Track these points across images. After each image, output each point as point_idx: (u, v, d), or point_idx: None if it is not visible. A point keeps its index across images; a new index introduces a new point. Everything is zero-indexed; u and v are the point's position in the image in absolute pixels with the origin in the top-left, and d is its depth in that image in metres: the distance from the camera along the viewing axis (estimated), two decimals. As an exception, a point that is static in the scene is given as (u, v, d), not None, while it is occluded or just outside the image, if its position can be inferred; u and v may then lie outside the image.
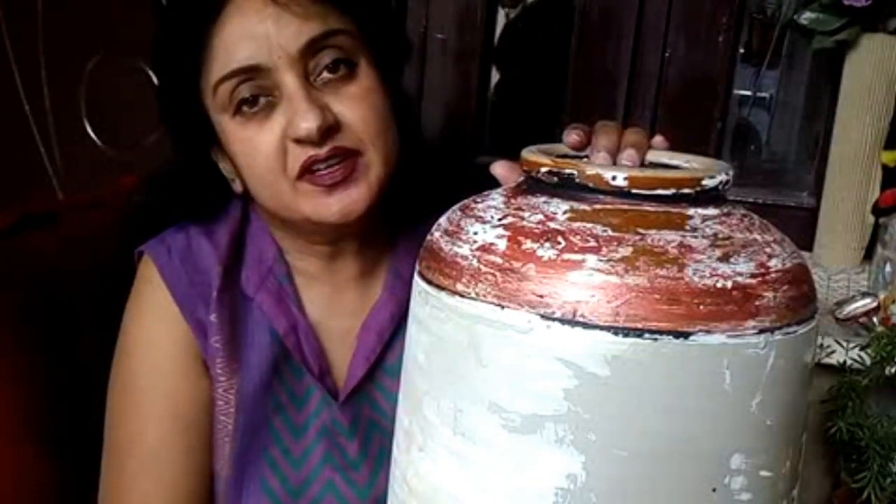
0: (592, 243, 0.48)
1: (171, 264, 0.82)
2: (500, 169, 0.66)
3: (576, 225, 0.49)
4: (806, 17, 1.33)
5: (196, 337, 0.81)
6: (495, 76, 2.00)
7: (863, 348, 1.10)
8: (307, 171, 0.75)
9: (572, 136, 0.60)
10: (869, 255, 1.35)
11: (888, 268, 1.25)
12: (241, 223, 0.85)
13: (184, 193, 0.85)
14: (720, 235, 0.50)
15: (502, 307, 0.48)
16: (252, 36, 0.73)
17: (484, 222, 0.52)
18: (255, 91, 0.74)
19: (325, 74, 0.75)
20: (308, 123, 0.72)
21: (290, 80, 0.74)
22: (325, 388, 0.83)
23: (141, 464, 0.80)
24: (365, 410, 0.84)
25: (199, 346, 0.81)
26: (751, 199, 1.45)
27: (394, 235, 0.87)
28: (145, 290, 0.83)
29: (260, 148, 0.75)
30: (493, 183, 0.65)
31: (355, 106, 0.76)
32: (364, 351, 0.84)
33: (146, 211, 0.87)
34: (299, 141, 0.74)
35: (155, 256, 0.82)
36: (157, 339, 0.81)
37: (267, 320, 0.82)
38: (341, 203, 0.75)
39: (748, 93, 1.97)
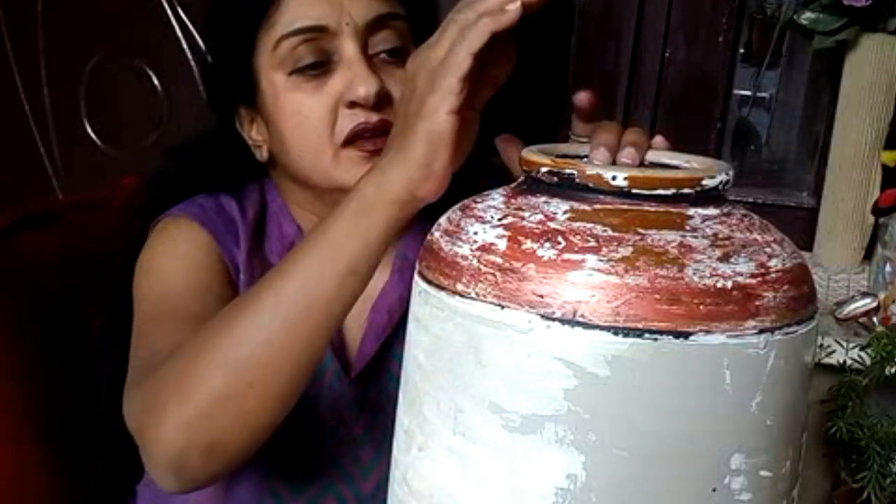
0: (592, 243, 0.48)
1: (206, 215, 0.82)
2: (502, 141, 0.68)
3: (576, 225, 0.49)
4: (806, 17, 1.33)
5: (233, 275, 0.81)
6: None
7: (863, 348, 1.11)
8: (354, 138, 0.77)
9: (582, 94, 0.62)
10: (869, 255, 1.35)
11: (888, 268, 1.25)
12: (262, 203, 0.87)
13: (205, 166, 0.86)
14: (720, 235, 0.50)
15: (502, 307, 0.48)
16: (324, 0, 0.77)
17: (484, 222, 0.52)
18: (315, 52, 0.77)
19: (382, 54, 0.79)
20: (368, 87, 0.76)
21: (351, 48, 0.77)
22: (340, 364, 0.83)
23: (168, 333, 0.74)
24: (372, 392, 0.84)
25: (235, 281, 0.81)
26: (751, 199, 1.45)
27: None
28: (171, 232, 0.81)
29: (313, 110, 0.77)
30: (492, 181, 0.65)
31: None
32: (375, 330, 0.84)
33: (166, 185, 0.87)
34: (353, 105, 0.76)
35: (188, 213, 0.82)
36: (187, 254, 0.80)
37: None
38: None
39: (748, 93, 1.96)
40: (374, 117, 0.77)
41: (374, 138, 0.77)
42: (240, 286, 0.81)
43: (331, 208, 0.83)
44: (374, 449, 0.83)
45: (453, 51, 0.55)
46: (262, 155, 0.84)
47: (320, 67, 0.77)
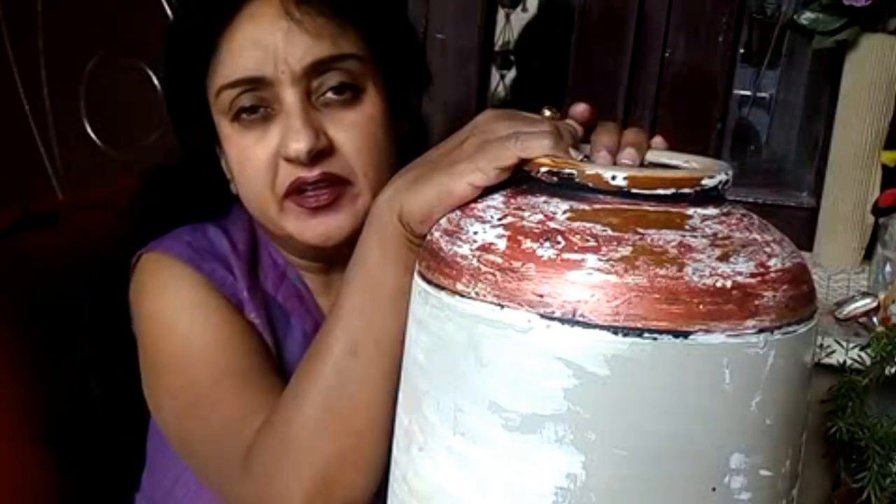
0: (592, 243, 0.48)
1: (199, 255, 0.79)
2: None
3: (575, 224, 0.49)
4: (806, 17, 1.33)
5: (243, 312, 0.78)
6: (509, 74, 2.01)
7: (863, 348, 1.11)
8: (294, 191, 0.74)
9: (580, 106, 0.61)
10: (869, 255, 1.35)
11: (888, 268, 1.25)
12: (250, 230, 0.84)
13: (188, 189, 0.84)
14: (720, 235, 0.50)
15: (502, 307, 0.48)
16: (260, 46, 0.73)
17: (484, 222, 0.52)
18: (256, 101, 0.74)
19: (329, 95, 0.74)
20: (298, 144, 0.72)
21: (290, 97, 0.73)
22: None
23: (232, 395, 0.72)
24: None
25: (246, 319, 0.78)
26: (751, 199, 1.45)
27: None
28: (167, 274, 0.78)
29: (252, 160, 0.75)
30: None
31: (352, 133, 0.75)
32: None
33: (150, 207, 0.85)
34: (289, 160, 0.73)
35: (177, 253, 0.79)
36: (196, 303, 0.77)
37: (293, 318, 0.82)
38: (324, 226, 0.75)
39: (748, 93, 1.97)
40: (313, 171, 0.73)
41: (315, 193, 0.74)
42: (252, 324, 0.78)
43: (291, 249, 0.81)
44: None
45: (508, 143, 0.54)
46: (234, 189, 0.81)
47: (262, 116, 0.74)
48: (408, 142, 0.82)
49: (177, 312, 0.77)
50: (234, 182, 0.79)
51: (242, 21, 0.73)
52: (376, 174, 0.75)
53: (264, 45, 0.72)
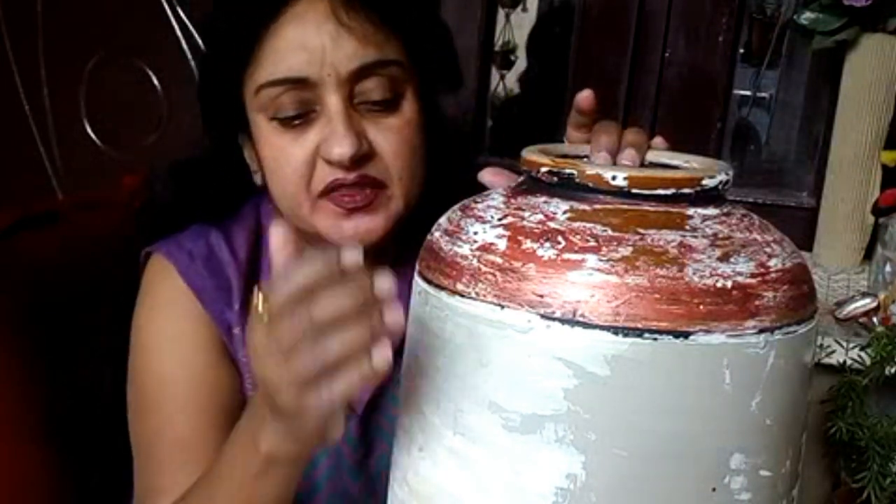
0: (592, 243, 0.48)
1: (194, 268, 0.80)
2: (489, 176, 0.66)
3: (576, 225, 0.49)
4: (806, 17, 1.33)
5: (227, 340, 0.80)
6: (516, 70, 2.01)
7: (863, 348, 1.11)
8: (330, 191, 0.75)
9: (584, 93, 0.62)
10: (869, 255, 1.35)
11: (888, 268, 1.25)
12: (257, 230, 0.85)
13: (208, 180, 0.84)
14: (720, 235, 0.50)
15: (502, 307, 0.49)
16: (306, 47, 0.73)
17: (484, 222, 0.52)
18: (297, 102, 0.74)
19: (371, 99, 0.75)
20: (342, 149, 0.72)
21: (333, 100, 0.73)
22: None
23: (170, 453, 0.77)
24: (373, 421, 0.83)
25: (231, 350, 0.80)
26: (751, 199, 1.45)
27: (399, 247, 0.86)
28: (164, 288, 0.81)
29: (290, 159, 0.75)
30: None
31: (391, 138, 0.75)
32: None
33: (163, 202, 0.86)
34: (330, 163, 0.74)
35: (175, 261, 0.80)
36: (181, 333, 0.79)
37: None
38: (357, 229, 0.75)
39: (748, 93, 1.97)
40: (351, 174, 0.74)
41: (351, 193, 0.74)
42: (234, 341, 0.80)
43: (314, 245, 0.82)
44: (369, 476, 0.82)
45: (318, 393, 0.51)
46: (258, 179, 0.82)
47: (301, 117, 0.74)
48: (434, 145, 0.82)
49: (159, 341, 0.80)
50: (266, 178, 0.79)
51: (288, 20, 0.73)
52: (410, 178, 0.76)
53: (310, 47, 0.72)
